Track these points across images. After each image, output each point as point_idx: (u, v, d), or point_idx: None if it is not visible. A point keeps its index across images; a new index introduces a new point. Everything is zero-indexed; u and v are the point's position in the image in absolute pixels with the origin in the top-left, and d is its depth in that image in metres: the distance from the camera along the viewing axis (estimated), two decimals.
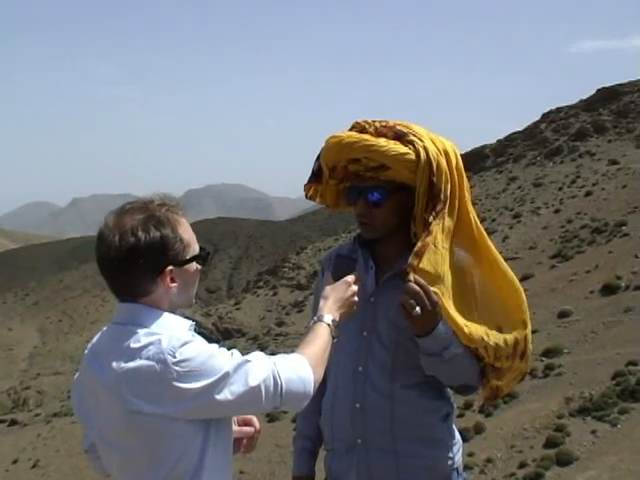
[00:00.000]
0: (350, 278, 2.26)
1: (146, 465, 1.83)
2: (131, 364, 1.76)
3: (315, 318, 2.13)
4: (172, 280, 1.88)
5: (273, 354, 2.01)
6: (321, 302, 2.19)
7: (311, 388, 1.94)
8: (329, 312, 2.14)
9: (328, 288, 2.23)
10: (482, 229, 2.49)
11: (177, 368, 1.74)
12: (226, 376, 1.79)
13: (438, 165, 2.36)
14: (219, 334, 58.73)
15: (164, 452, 1.81)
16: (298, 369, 1.92)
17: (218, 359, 1.80)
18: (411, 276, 2.25)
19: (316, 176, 2.62)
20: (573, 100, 69.93)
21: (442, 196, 2.37)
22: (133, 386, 1.76)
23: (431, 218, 2.35)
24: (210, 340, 1.87)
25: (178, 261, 1.88)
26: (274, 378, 1.86)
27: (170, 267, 1.86)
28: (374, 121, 2.46)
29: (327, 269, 2.56)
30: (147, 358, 1.75)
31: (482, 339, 2.36)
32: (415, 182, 2.37)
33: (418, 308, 2.20)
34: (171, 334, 1.80)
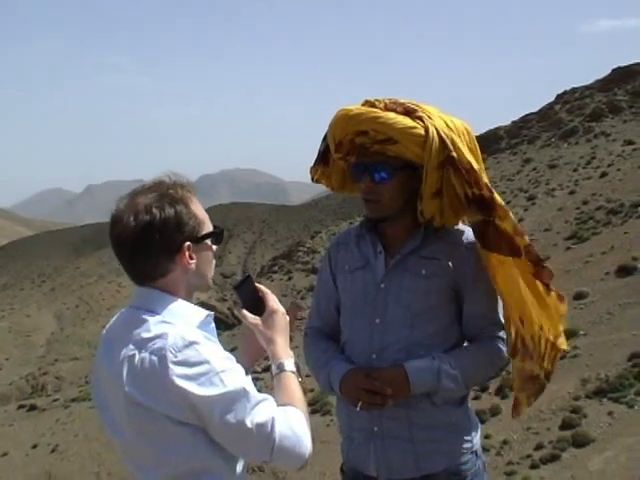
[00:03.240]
0: (273, 304, 2.03)
1: (147, 458, 1.82)
2: (136, 354, 1.75)
3: (275, 369, 1.95)
4: (190, 257, 1.86)
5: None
6: (270, 347, 1.98)
7: (307, 451, 1.81)
8: (287, 356, 1.97)
9: (263, 328, 2.00)
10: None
11: (174, 367, 1.71)
12: (220, 399, 1.73)
13: (452, 141, 2.34)
14: (234, 319, 58.90)
15: (165, 450, 1.79)
16: (295, 427, 1.80)
17: (220, 377, 1.74)
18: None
19: (322, 157, 2.61)
20: (588, 81, 69.08)
21: (476, 167, 2.35)
22: (133, 377, 1.75)
23: (486, 191, 2.33)
24: (224, 326, 1.82)
25: (194, 237, 1.87)
26: (271, 427, 1.76)
27: (187, 243, 1.85)
28: (384, 98, 2.44)
29: (335, 256, 2.59)
30: (151, 352, 1.74)
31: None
32: (421, 158, 2.34)
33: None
34: (179, 331, 1.77)
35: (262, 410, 1.77)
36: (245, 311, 2.03)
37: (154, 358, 1.73)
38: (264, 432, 1.75)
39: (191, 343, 1.74)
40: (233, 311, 61.56)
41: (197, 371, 1.72)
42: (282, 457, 1.78)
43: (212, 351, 1.78)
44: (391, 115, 2.34)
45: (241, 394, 1.75)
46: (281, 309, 2.04)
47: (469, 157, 2.35)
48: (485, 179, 2.35)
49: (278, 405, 1.84)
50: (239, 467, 1.91)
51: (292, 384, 1.92)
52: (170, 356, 1.72)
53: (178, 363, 1.72)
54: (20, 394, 54.94)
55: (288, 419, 1.80)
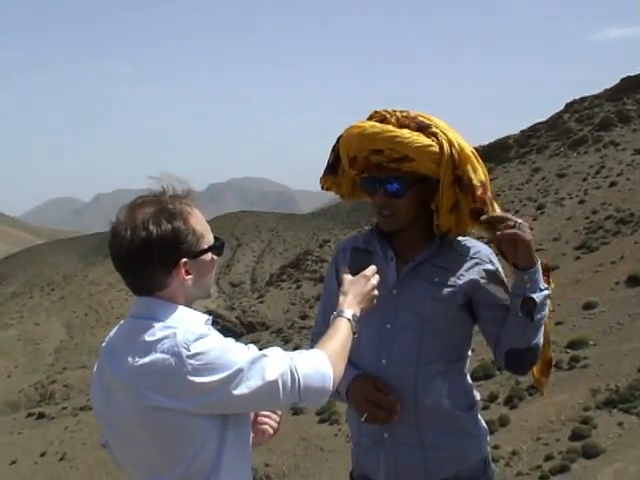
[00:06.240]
0: (369, 271, 2.22)
1: (162, 461, 1.82)
2: (146, 358, 1.75)
3: (335, 313, 2.10)
4: (187, 272, 1.86)
5: (297, 347, 2.00)
6: (341, 297, 2.15)
7: (330, 384, 1.91)
8: (349, 307, 2.11)
9: (347, 283, 2.19)
10: None
11: (191, 361, 1.72)
12: (241, 370, 1.77)
13: (459, 156, 2.35)
14: (243, 327, 59.01)
15: (180, 448, 1.80)
16: (317, 364, 1.90)
17: (233, 353, 1.79)
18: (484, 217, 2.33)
19: (331, 168, 2.60)
20: (597, 90, 68.94)
21: (476, 182, 2.36)
22: (148, 380, 1.75)
23: (486, 206, 2.36)
24: (232, 334, 1.85)
25: (192, 253, 1.86)
26: (291, 373, 1.84)
27: (184, 259, 1.84)
28: (395, 111, 2.42)
29: (341, 262, 2.54)
30: (162, 352, 1.74)
31: None
32: (437, 174, 2.35)
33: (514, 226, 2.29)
34: (186, 328, 1.79)
35: (278, 361, 1.84)
36: (345, 267, 2.29)
37: (168, 357, 1.73)
38: (288, 378, 1.83)
39: (200, 335, 1.77)
40: (241, 319, 61.72)
41: (212, 357, 1.75)
42: (309, 395, 1.87)
43: (218, 337, 1.83)
44: (407, 134, 2.33)
45: (257, 359, 1.82)
46: (372, 280, 2.20)
47: (471, 173, 2.36)
48: (487, 194, 2.38)
49: (316, 346, 1.98)
50: (248, 462, 1.95)
51: (341, 326, 2.05)
52: (184, 352, 1.73)
53: (193, 356, 1.73)
54: (29, 402, 55.15)
55: (309, 360, 1.89)
